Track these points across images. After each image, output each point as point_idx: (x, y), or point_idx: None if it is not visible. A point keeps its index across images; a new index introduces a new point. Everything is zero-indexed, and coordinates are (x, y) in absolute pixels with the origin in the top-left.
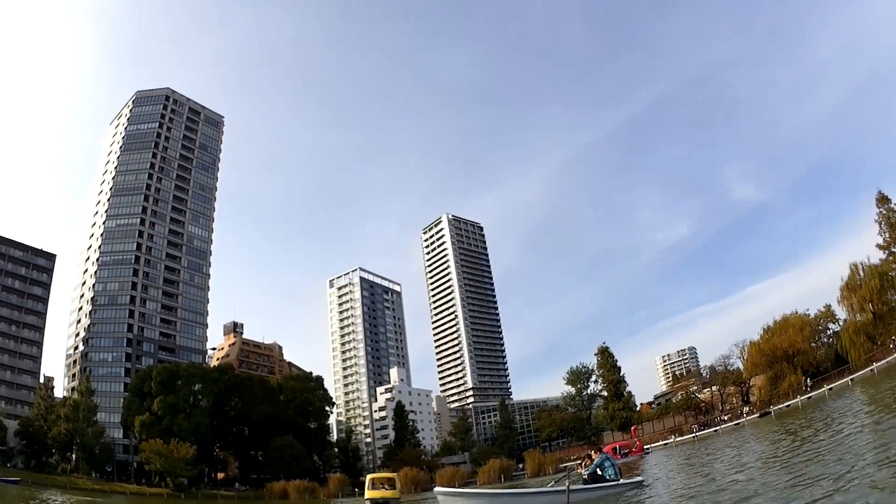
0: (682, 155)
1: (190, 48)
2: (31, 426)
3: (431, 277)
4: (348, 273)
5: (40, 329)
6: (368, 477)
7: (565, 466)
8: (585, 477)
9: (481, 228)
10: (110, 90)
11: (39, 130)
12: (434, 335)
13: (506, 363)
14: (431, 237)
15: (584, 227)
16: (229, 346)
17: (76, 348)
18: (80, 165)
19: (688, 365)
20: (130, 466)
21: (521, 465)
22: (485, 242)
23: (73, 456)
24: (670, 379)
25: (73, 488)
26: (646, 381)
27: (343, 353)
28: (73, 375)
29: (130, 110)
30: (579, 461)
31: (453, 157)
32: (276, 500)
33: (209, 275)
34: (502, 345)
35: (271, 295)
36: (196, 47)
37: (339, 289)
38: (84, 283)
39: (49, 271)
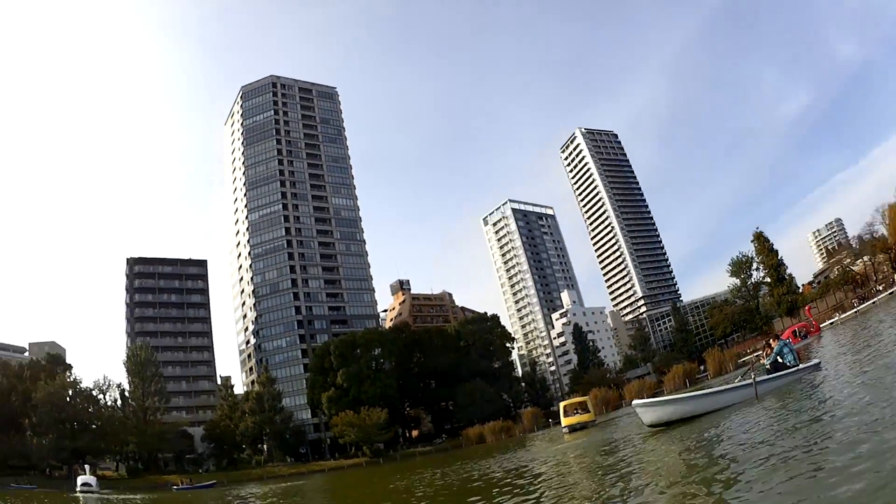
0: (783, 24)
1: (283, 30)
2: (217, 428)
3: (580, 194)
4: (499, 207)
5: (207, 333)
6: (562, 405)
7: (745, 361)
8: (768, 367)
9: (616, 136)
10: (213, 92)
11: (156, 150)
12: (595, 251)
13: (669, 266)
14: (570, 154)
15: (711, 112)
16: (400, 304)
17: (248, 342)
18: (201, 170)
19: (837, 238)
20: (324, 443)
21: (702, 367)
22: (623, 149)
23: (265, 447)
24: (824, 255)
25: (270, 478)
26: (803, 262)
27: (512, 286)
28: (250, 369)
29: (241, 106)
30: (759, 352)
31: (572, 71)
32: (473, 445)
33: (364, 241)
34: (662, 248)
35: (430, 246)
36: (289, 28)
37: (494, 224)
38: (241, 278)
39: (203, 277)
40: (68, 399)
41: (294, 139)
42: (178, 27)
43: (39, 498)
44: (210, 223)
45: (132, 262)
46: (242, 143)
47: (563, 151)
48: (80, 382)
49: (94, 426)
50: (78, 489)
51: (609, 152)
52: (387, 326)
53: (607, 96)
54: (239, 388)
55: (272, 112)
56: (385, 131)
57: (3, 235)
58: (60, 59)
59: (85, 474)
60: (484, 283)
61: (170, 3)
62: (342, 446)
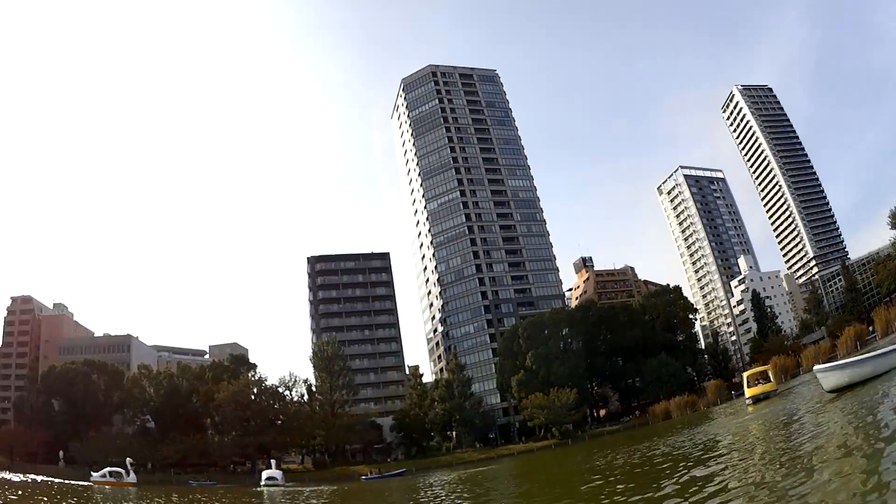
0: None
1: (432, 19)
2: (406, 417)
3: (745, 153)
4: (671, 175)
5: (394, 325)
6: (745, 375)
7: None
8: None
9: (770, 90)
10: (372, 88)
11: (325, 151)
12: (766, 211)
13: (836, 224)
14: (731, 114)
15: (855, 52)
16: (584, 282)
17: (436, 330)
18: (372, 165)
19: None
20: (513, 427)
21: (870, 328)
22: (779, 103)
23: (454, 433)
24: None
25: (459, 464)
26: None
27: (691, 255)
28: (439, 357)
29: (405, 98)
30: None
31: (713, 24)
32: (659, 422)
33: (544, 220)
34: (828, 205)
35: (606, 220)
36: (437, 15)
37: (669, 193)
38: (426, 268)
39: (387, 269)
40: (252, 397)
41: (463, 125)
42: (329, 31)
43: (224, 492)
44: (388, 216)
45: (313, 261)
46: (412, 134)
47: (723, 111)
48: (266, 380)
49: (278, 422)
50: (262, 483)
51: (767, 107)
52: (573, 305)
53: (753, 48)
54: (428, 377)
55: (436, 101)
56: (543, 107)
57: (182, 248)
58: (236, 74)
59: (270, 469)
60: (661, 252)
61: (320, 8)
62: (530, 429)
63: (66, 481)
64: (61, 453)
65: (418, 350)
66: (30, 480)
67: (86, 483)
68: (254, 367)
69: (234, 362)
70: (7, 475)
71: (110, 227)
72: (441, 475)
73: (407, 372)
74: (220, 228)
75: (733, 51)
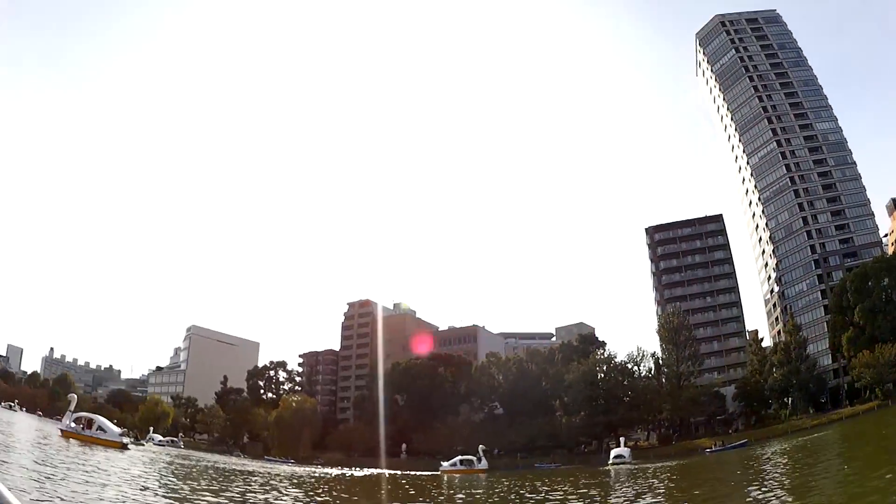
0: None
1: None
2: (747, 385)
3: None
4: None
5: (733, 289)
6: None
7: None
8: None
9: None
10: (666, 47)
11: (638, 120)
12: None
13: None
14: None
15: None
16: None
17: (772, 291)
18: (684, 126)
19: None
20: (842, 389)
21: None
22: None
23: (789, 399)
24: None
25: (793, 432)
26: None
27: None
28: (776, 319)
29: (703, 53)
30: None
31: None
32: None
33: (855, 162)
34: None
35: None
36: None
37: None
38: (757, 226)
39: (721, 232)
40: (601, 375)
41: (763, 72)
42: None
43: (569, 473)
44: (711, 175)
45: (651, 231)
46: (719, 89)
47: None
48: (615, 357)
49: (626, 398)
50: (610, 462)
51: None
52: (889, 252)
53: None
54: (767, 341)
55: (733, 51)
56: (813, 41)
57: (523, 238)
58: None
59: (619, 446)
60: None
61: None
62: (855, 391)
63: (414, 473)
64: (404, 446)
65: (756, 313)
66: (376, 473)
67: (434, 473)
68: (602, 344)
69: (582, 342)
70: (348, 470)
71: (452, 226)
72: (775, 445)
73: (747, 337)
74: (555, 213)
75: None
